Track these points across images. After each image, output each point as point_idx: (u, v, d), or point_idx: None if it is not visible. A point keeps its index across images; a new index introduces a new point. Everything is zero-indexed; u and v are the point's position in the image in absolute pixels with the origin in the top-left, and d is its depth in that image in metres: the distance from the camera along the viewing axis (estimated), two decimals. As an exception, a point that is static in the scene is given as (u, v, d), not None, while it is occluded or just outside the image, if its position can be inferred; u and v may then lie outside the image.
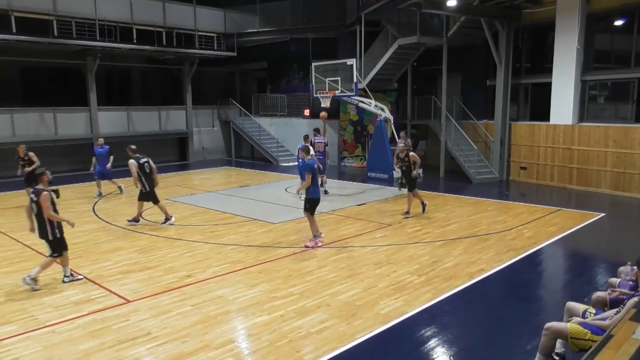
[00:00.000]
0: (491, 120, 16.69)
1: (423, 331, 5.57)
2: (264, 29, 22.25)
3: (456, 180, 16.01)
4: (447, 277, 7.18)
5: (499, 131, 16.07)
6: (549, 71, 14.98)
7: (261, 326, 5.65)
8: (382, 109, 16.75)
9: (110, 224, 10.67)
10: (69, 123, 18.84)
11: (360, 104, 16.91)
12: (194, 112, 23.00)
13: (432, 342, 5.33)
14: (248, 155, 24.16)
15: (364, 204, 12.62)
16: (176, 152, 23.53)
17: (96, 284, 7.05)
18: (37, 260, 8.14)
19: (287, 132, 22.58)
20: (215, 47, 21.69)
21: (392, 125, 17.21)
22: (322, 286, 6.87)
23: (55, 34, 17.01)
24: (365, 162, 19.00)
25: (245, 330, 5.62)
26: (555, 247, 9.00)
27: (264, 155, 22.07)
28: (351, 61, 15.90)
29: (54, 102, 18.81)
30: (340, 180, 16.97)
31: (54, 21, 16.95)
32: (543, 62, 15.96)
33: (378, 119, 16.84)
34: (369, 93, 17.35)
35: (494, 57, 15.75)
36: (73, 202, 13.17)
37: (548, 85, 15.01)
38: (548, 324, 4.45)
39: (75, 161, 19.92)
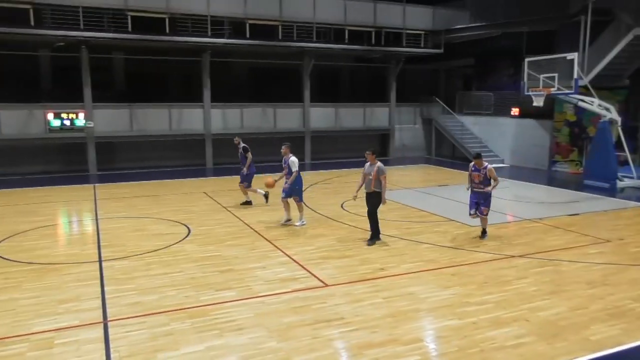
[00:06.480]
0: None
1: (644, 369, 4.79)
2: (474, 24, 21.46)
3: None
4: (682, 311, 6.01)
5: None
6: None
7: (451, 330, 5.51)
8: (607, 109, 14.85)
9: (315, 211, 11.51)
10: (285, 117, 21.09)
11: (580, 103, 15.22)
12: (397, 110, 23.43)
13: (656, 384, 4.54)
14: (448, 154, 23.64)
15: (577, 214, 11.29)
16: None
17: (300, 265, 7.73)
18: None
19: (491, 131, 21.49)
20: (422, 45, 21.75)
21: (620, 128, 15.04)
22: (521, 299, 6.38)
23: (280, 37, 19.09)
24: (582, 168, 17.01)
25: (435, 332, 5.55)
26: None
27: (465, 155, 21.36)
28: (572, 55, 14.42)
29: (274, 98, 21.16)
30: (550, 187, 15.49)
31: (279, 26, 19.08)
32: None
33: (601, 120, 14.93)
34: (592, 91, 15.40)
35: None
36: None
37: None
38: None
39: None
